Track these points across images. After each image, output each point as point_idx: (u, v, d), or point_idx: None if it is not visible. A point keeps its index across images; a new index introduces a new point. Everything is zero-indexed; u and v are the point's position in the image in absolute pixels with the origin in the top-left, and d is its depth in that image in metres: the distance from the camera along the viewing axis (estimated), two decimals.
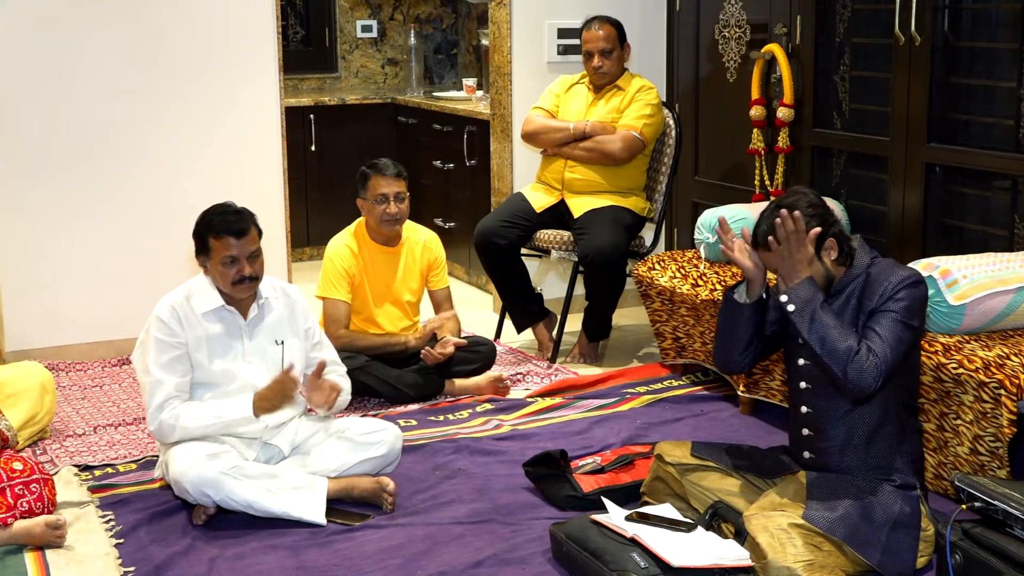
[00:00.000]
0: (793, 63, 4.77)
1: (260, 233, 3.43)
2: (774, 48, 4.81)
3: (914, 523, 2.90)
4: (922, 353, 3.28)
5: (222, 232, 3.34)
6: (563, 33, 5.43)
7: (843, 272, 3.00)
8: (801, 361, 3.08)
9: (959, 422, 3.28)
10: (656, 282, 4.46)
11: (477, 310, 5.65)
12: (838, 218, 3.01)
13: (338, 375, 3.60)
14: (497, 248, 4.81)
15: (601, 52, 4.83)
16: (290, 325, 3.53)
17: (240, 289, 3.38)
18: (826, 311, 2.88)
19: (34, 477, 3.19)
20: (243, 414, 3.34)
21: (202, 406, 3.35)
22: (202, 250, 3.40)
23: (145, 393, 3.38)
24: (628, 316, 5.48)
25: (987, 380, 3.18)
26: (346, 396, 3.58)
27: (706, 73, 5.35)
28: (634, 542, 2.87)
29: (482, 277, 5.99)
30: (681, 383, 4.53)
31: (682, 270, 4.47)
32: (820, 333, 2.85)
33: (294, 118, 6.33)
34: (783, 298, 2.92)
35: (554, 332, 4.92)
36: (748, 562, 2.81)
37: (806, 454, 3.06)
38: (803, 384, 3.08)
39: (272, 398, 3.35)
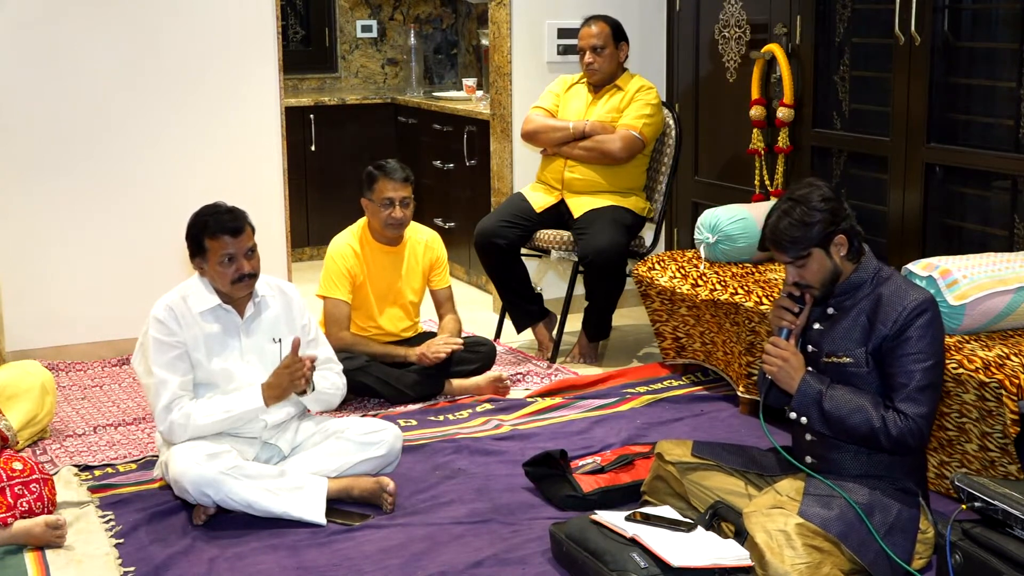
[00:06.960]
0: (793, 63, 4.77)
1: (253, 230, 3.43)
2: (774, 48, 4.81)
3: (911, 528, 2.90)
4: None
5: (218, 232, 3.33)
6: (563, 33, 5.43)
7: (851, 269, 2.98)
8: None
9: (965, 420, 3.28)
10: (656, 282, 4.46)
11: (477, 310, 5.65)
12: (849, 212, 2.97)
13: (334, 372, 3.60)
14: (497, 248, 4.80)
15: (592, 48, 4.83)
16: (287, 322, 3.52)
17: (239, 287, 3.38)
18: (833, 400, 2.90)
19: (34, 477, 3.19)
20: (254, 405, 3.34)
21: (211, 403, 3.34)
22: (198, 252, 3.38)
23: (150, 395, 3.36)
24: (628, 316, 5.48)
25: (987, 380, 3.18)
26: (340, 393, 3.59)
27: (706, 73, 5.35)
28: (634, 542, 2.87)
29: (482, 277, 5.98)
30: (681, 383, 4.53)
31: (682, 270, 4.47)
32: (839, 427, 2.90)
33: (294, 118, 6.33)
34: (791, 415, 2.98)
35: (554, 332, 4.92)
36: (748, 562, 2.81)
37: (808, 459, 3.05)
38: None
39: (281, 384, 3.35)
